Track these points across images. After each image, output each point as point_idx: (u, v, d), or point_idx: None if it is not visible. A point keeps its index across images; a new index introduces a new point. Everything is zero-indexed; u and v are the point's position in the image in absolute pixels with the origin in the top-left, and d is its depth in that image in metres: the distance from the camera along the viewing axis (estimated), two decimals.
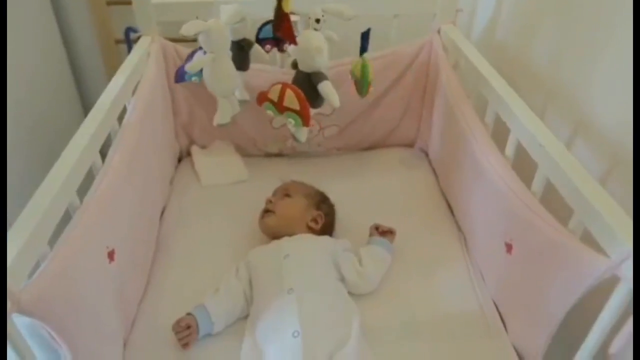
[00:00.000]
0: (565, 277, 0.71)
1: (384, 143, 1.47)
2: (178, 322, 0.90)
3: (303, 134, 1.04)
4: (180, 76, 1.08)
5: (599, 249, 0.67)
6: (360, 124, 1.40)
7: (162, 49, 1.24)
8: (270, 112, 1.01)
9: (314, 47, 0.97)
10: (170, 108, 1.32)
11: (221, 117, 1.08)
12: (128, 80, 1.06)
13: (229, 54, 1.02)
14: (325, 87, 0.98)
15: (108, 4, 1.47)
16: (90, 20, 1.52)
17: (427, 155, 1.44)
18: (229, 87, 1.06)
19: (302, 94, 0.95)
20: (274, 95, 0.98)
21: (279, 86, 0.97)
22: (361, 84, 1.04)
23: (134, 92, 1.09)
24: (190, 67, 0.98)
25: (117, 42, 1.52)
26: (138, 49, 1.18)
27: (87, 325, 0.75)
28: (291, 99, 0.96)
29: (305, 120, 0.97)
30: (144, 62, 1.16)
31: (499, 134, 1.02)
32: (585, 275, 0.67)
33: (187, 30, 0.92)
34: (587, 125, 1.00)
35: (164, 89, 1.26)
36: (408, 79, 1.34)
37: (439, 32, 1.28)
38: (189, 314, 0.92)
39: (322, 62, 0.99)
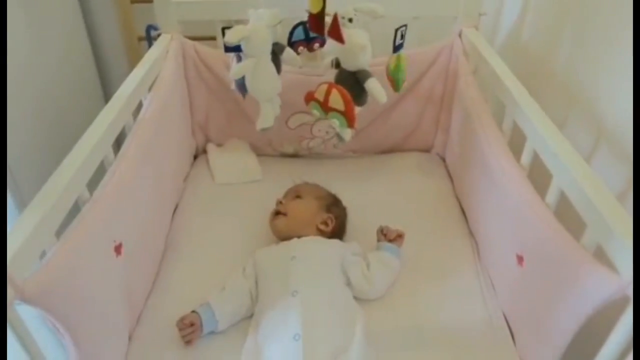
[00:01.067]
0: (575, 294, 0.69)
1: (400, 147, 1.45)
2: (182, 319, 0.90)
3: (347, 134, 1.04)
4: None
5: (612, 265, 0.64)
6: (377, 127, 1.39)
7: (181, 47, 1.25)
8: (316, 112, 1.00)
9: (359, 46, 0.95)
10: (188, 105, 1.33)
11: (264, 121, 1.05)
12: (145, 76, 1.07)
13: (269, 57, 1.01)
14: (372, 84, 0.98)
15: (132, 2, 1.49)
16: (114, 18, 1.54)
17: (444, 160, 1.41)
18: (272, 90, 1.04)
19: (348, 95, 0.94)
20: (320, 95, 0.97)
21: (325, 86, 0.96)
22: (396, 79, 1.04)
23: (150, 88, 1.10)
24: (233, 74, 0.97)
25: (140, 39, 1.54)
26: (157, 46, 1.19)
27: (92, 317, 0.76)
28: (336, 100, 0.95)
29: (350, 121, 0.96)
30: (162, 59, 1.17)
31: (517, 142, 0.99)
32: (595, 294, 0.64)
33: (230, 38, 0.91)
34: (610, 136, 0.96)
35: (182, 86, 1.28)
36: (426, 83, 1.32)
37: (460, 35, 1.26)
38: (193, 311, 0.92)
39: (366, 60, 0.99)
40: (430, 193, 1.30)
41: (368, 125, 1.38)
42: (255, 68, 0.98)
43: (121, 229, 0.86)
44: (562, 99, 1.14)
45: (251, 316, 0.95)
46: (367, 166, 1.41)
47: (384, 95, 0.98)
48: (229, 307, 0.94)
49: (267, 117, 1.05)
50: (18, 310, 0.62)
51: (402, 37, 1.00)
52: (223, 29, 0.94)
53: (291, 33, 1.06)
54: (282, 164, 1.42)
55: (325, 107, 0.98)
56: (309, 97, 0.99)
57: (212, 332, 0.93)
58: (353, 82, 0.99)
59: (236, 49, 0.97)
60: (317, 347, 0.82)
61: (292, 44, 1.07)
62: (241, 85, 1.02)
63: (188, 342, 0.90)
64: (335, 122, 0.98)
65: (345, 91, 0.95)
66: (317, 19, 0.98)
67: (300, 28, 1.04)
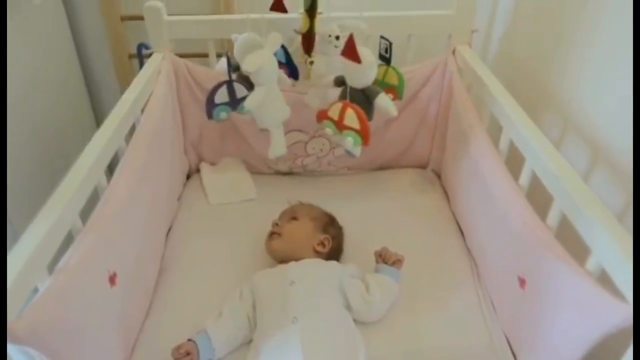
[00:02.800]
0: (580, 321, 0.68)
1: (395, 163, 1.44)
2: (178, 348, 0.88)
3: (358, 150, 1.04)
4: (209, 112, 1.03)
5: (619, 293, 0.63)
6: (373, 143, 1.36)
7: (173, 66, 1.24)
8: (329, 130, 1.01)
9: (368, 63, 0.95)
10: (180, 125, 1.31)
11: (277, 149, 1.05)
12: (137, 98, 1.05)
13: (277, 84, 1.01)
14: (382, 100, 0.99)
15: (122, 19, 1.47)
16: (104, 35, 1.52)
17: (439, 177, 1.41)
18: (282, 116, 1.03)
19: (363, 114, 0.95)
20: (334, 114, 0.98)
21: (340, 105, 0.97)
22: (400, 88, 1.08)
23: (143, 110, 1.09)
24: (249, 105, 0.96)
25: (131, 56, 1.53)
26: (149, 66, 1.17)
27: (85, 352, 0.74)
28: (352, 118, 0.96)
29: (365, 139, 0.97)
30: (154, 79, 1.16)
31: (513, 160, 0.99)
32: (601, 322, 0.63)
33: (251, 66, 0.91)
34: (607, 154, 0.96)
35: (174, 105, 1.26)
36: (421, 100, 1.32)
37: (453, 52, 1.26)
38: (189, 339, 0.90)
39: (373, 76, 0.99)
40: (426, 210, 1.29)
41: None
42: (267, 96, 0.97)
43: (116, 259, 0.84)
44: (557, 115, 1.15)
45: (249, 342, 0.93)
46: (362, 183, 1.40)
47: (395, 109, 1.00)
48: (226, 334, 0.92)
49: (279, 144, 1.04)
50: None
51: (387, 51, 1.02)
52: (219, 55, 0.94)
53: (212, 94, 1.03)
54: (277, 182, 1.41)
55: (340, 126, 0.99)
56: (322, 116, 1.00)
57: None
58: (361, 99, 0.99)
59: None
60: None
61: (214, 107, 1.04)
62: (210, 110, 1.02)
63: None
64: (350, 140, 0.99)
65: (360, 110, 0.95)
66: (305, 38, 0.98)
67: (281, 50, 1.05)
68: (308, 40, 1.08)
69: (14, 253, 0.65)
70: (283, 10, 1.00)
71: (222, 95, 1.00)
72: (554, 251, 0.75)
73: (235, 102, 1.02)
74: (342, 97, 1.01)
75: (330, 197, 1.26)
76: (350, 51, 0.90)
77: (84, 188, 0.81)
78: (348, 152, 1.05)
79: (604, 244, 0.66)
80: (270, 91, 0.98)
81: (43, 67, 1.34)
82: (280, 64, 1.04)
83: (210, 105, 1.01)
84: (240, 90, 1.00)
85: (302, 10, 1.05)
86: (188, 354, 0.87)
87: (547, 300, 0.76)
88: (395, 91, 1.09)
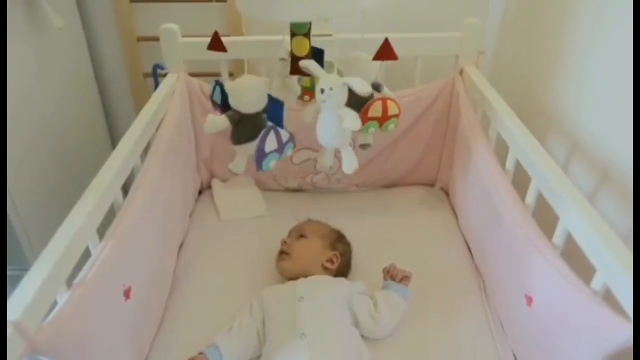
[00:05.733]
0: (586, 339, 0.69)
1: (404, 181, 1.46)
2: None
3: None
4: (259, 163, 0.96)
5: (622, 311, 0.64)
6: (381, 161, 1.40)
7: (187, 86, 1.27)
8: (372, 130, 1.01)
9: (367, 62, 0.99)
10: (193, 143, 1.34)
11: (347, 166, 1.02)
12: (152, 117, 1.08)
13: None
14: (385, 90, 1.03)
15: (138, 40, 1.52)
16: (121, 55, 1.57)
17: (447, 195, 1.42)
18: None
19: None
20: (376, 112, 0.98)
21: (379, 102, 0.98)
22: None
23: (158, 127, 1.12)
24: (306, 115, 0.99)
25: (145, 75, 1.57)
26: (164, 86, 1.21)
27: None
28: (393, 107, 0.99)
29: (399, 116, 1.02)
30: (168, 99, 1.19)
31: (520, 179, 1.01)
32: (606, 341, 0.64)
33: (361, 88, 0.89)
34: (613, 175, 0.97)
35: (187, 124, 1.29)
36: (429, 119, 1.34)
37: (461, 73, 1.28)
38: (201, 353, 0.91)
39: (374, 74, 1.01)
40: (434, 227, 1.30)
41: (372, 160, 1.39)
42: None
43: (131, 273, 0.86)
44: (563, 136, 1.16)
45: (258, 357, 0.95)
46: (370, 200, 1.42)
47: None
48: (236, 347, 0.93)
49: (328, 157, 1.05)
50: None
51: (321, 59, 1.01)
52: (231, 74, 0.96)
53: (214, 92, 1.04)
54: (286, 198, 1.43)
55: (383, 119, 1.00)
56: (365, 120, 0.98)
57: None
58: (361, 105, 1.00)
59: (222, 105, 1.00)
60: None
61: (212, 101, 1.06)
62: (260, 159, 0.98)
63: None
64: (392, 126, 1.01)
65: (394, 98, 1.00)
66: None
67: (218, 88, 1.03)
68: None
69: (35, 268, 0.67)
70: (222, 49, 0.99)
71: (271, 143, 0.96)
72: (560, 270, 0.76)
73: (281, 147, 0.98)
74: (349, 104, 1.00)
75: (339, 214, 1.28)
76: (385, 52, 0.93)
77: (101, 205, 0.84)
78: (364, 146, 1.06)
79: (609, 264, 0.67)
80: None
81: (63, 84, 1.39)
82: (216, 104, 1.03)
83: (262, 155, 0.95)
84: (284, 134, 0.98)
85: (297, 34, 1.02)
86: None
87: (554, 318, 0.77)
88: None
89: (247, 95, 0.95)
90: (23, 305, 0.61)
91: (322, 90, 0.88)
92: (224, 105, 1.03)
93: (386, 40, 0.92)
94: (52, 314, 0.66)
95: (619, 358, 0.64)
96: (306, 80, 1.10)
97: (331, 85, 0.88)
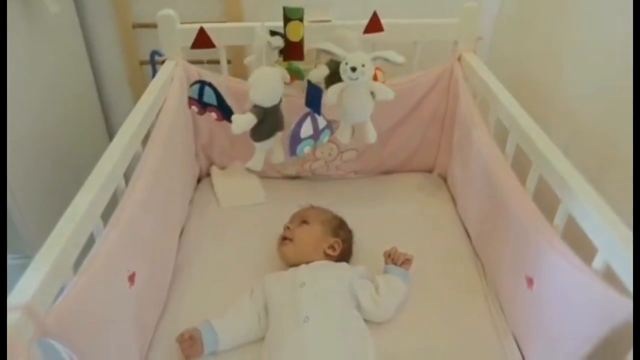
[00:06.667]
0: (587, 318, 0.70)
1: (402, 168, 1.47)
2: (182, 334, 0.91)
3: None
4: (293, 149, 0.96)
5: (623, 288, 0.66)
6: (379, 148, 1.41)
7: (185, 73, 1.27)
8: None
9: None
10: (192, 130, 1.34)
11: (372, 136, 1.06)
12: (152, 104, 1.08)
13: None
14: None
15: (134, 26, 1.50)
16: (116, 42, 1.56)
17: (445, 181, 1.43)
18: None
19: None
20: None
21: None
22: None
23: (157, 115, 1.11)
24: (330, 98, 0.97)
25: (142, 63, 1.55)
26: (162, 73, 1.20)
27: (107, 348, 0.76)
28: (381, 76, 1.06)
29: None
30: (167, 86, 1.19)
31: (518, 163, 1.02)
32: (607, 317, 0.65)
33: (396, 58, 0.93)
34: (613, 160, 0.98)
35: (185, 111, 1.28)
36: (428, 105, 1.34)
37: (459, 59, 1.29)
38: (196, 328, 0.93)
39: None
40: (433, 213, 1.32)
41: (370, 146, 1.39)
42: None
43: (134, 259, 0.86)
44: (563, 123, 1.17)
45: (261, 339, 0.95)
46: (369, 187, 1.43)
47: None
48: (231, 324, 0.95)
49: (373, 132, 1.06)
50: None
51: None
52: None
53: (201, 92, 1.03)
54: (285, 186, 1.43)
55: None
56: None
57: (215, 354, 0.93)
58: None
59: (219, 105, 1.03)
60: None
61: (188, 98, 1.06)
62: (295, 144, 0.99)
63: (187, 358, 0.91)
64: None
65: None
66: (298, 46, 1.00)
67: (196, 86, 1.03)
68: (301, 48, 1.08)
69: (42, 253, 0.67)
70: (210, 45, 1.00)
71: (307, 129, 0.96)
72: (561, 251, 0.77)
73: (317, 134, 0.98)
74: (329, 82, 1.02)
75: (337, 201, 1.28)
76: (373, 26, 0.96)
77: (105, 191, 0.84)
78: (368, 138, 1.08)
79: (611, 244, 0.69)
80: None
81: (58, 72, 1.38)
82: (208, 105, 1.03)
83: (296, 141, 0.95)
84: (321, 121, 0.97)
85: (292, 19, 1.03)
86: (190, 337, 0.91)
87: (555, 298, 0.78)
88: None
89: (271, 88, 0.94)
90: (32, 289, 0.61)
91: (354, 69, 0.89)
92: (221, 106, 1.03)
93: (374, 14, 0.94)
94: (60, 298, 0.67)
95: (617, 335, 0.66)
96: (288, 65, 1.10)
97: (363, 62, 0.90)
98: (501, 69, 1.45)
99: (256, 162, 1.05)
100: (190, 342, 0.91)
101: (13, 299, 0.60)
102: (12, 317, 0.57)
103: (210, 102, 1.03)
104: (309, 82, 0.95)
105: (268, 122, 0.99)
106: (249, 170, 1.07)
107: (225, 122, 1.07)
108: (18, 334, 0.57)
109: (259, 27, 1.02)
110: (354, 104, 0.96)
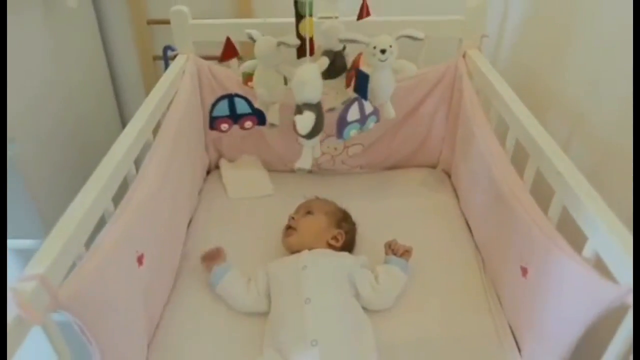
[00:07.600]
0: (577, 304, 0.72)
1: (406, 163, 1.49)
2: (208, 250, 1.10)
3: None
4: (340, 131, 0.97)
5: (610, 276, 0.68)
6: (384, 143, 1.44)
7: (196, 67, 1.31)
8: None
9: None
10: (202, 122, 1.38)
11: (392, 111, 1.09)
12: (164, 96, 1.12)
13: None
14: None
15: (148, 23, 1.55)
16: (131, 38, 1.61)
17: (449, 176, 1.45)
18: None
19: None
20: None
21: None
22: None
23: (169, 107, 1.15)
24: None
25: (155, 58, 1.60)
26: (174, 66, 1.24)
27: (116, 325, 0.79)
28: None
29: None
30: (179, 79, 1.23)
31: (518, 157, 1.04)
32: (596, 303, 0.67)
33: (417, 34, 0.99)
34: (615, 157, 1.00)
35: (197, 104, 1.33)
36: (432, 102, 1.37)
37: (464, 56, 1.31)
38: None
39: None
40: (436, 208, 1.34)
41: (375, 142, 1.43)
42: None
43: (143, 241, 0.90)
44: (565, 120, 1.19)
45: (264, 314, 1.00)
46: (374, 182, 1.45)
47: None
48: (237, 277, 1.05)
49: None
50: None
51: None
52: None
53: (213, 106, 1.05)
54: (292, 179, 1.46)
55: None
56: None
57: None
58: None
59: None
60: (335, 352, 0.86)
61: (213, 119, 1.06)
62: (342, 126, 0.99)
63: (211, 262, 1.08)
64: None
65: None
66: (311, 42, 1.01)
67: (224, 102, 1.04)
68: (312, 44, 1.10)
69: (56, 230, 0.71)
70: (236, 54, 1.03)
71: (354, 113, 0.98)
72: (555, 242, 0.79)
73: (363, 119, 1.00)
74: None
75: (343, 194, 1.31)
76: (365, 11, 1.00)
77: (116, 175, 0.88)
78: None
79: (600, 234, 0.71)
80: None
81: (75, 66, 1.43)
82: (243, 116, 1.04)
83: (343, 124, 0.97)
84: (368, 107, 0.99)
85: (304, 15, 1.03)
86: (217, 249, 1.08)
87: (547, 286, 0.81)
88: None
89: (320, 82, 0.95)
90: (46, 262, 0.65)
91: (383, 51, 0.95)
92: (255, 112, 1.04)
93: (364, 1, 1.00)
94: (72, 273, 0.70)
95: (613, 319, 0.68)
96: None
97: (390, 43, 0.95)
98: (506, 67, 1.48)
99: (306, 159, 1.05)
100: (217, 252, 1.08)
101: (27, 271, 0.64)
102: (28, 285, 0.61)
103: (245, 112, 1.04)
104: (357, 69, 0.99)
105: (318, 118, 1.01)
106: (299, 170, 1.10)
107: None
108: (34, 302, 0.60)
109: (256, 33, 1.03)
110: (382, 84, 1.00)
